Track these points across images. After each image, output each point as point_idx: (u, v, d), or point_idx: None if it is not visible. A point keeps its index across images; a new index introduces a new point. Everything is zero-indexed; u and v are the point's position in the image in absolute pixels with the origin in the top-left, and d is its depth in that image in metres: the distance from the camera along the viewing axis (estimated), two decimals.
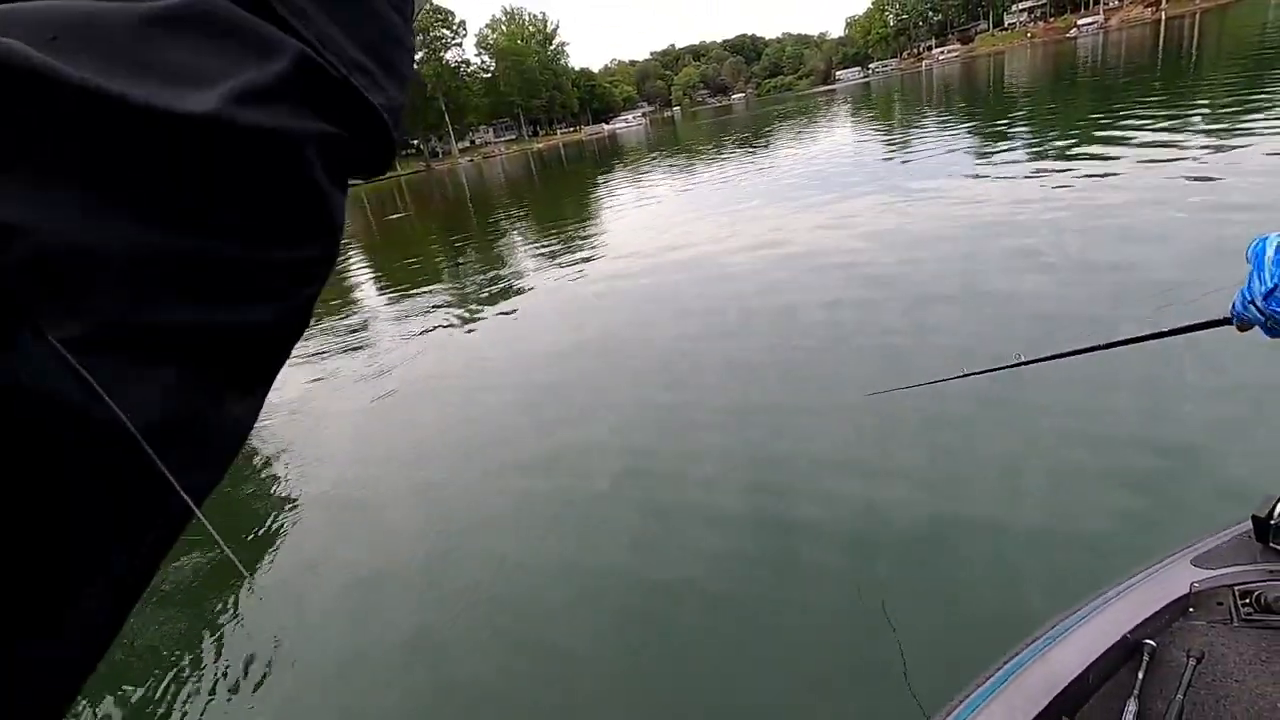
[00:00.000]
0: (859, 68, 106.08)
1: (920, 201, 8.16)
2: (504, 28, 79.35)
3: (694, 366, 4.70)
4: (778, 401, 3.92)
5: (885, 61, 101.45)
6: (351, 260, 15.06)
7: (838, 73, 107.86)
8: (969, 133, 13.75)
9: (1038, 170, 8.47)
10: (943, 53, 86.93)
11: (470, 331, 7.00)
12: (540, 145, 73.45)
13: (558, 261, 9.41)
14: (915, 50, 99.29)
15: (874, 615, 2.23)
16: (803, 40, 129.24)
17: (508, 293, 8.22)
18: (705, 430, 3.76)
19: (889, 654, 2.07)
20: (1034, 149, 10.15)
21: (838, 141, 17.29)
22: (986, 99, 21.49)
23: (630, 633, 2.41)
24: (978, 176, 8.94)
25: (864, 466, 3.09)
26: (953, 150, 11.64)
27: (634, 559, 2.80)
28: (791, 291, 5.84)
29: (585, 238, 10.99)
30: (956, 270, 5.41)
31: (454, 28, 72.39)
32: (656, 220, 11.09)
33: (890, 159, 12.37)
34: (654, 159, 24.81)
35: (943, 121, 16.54)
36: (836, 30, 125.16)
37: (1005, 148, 10.79)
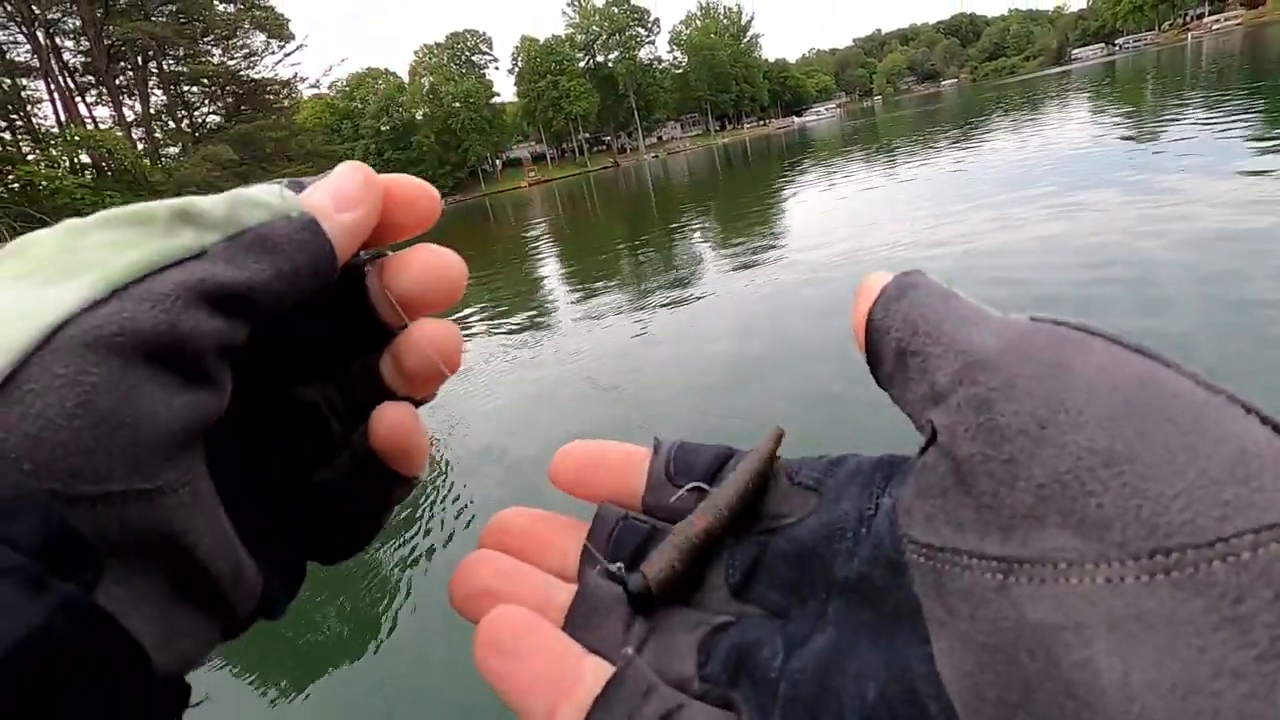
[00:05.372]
0: (1102, 44, 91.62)
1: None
2: (698, 23, 79.13)
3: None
4: None
5: (1138, 35, 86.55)
6: (541, 252, 15.58)
7: (1074, 51, 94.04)
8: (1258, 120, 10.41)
9: None
10: (1218, 21, 72.07)
11: (639, 328, 6.66)
12: (725, 140, 72.37)
13: (736, 265, 8.67)
14: (1182, 19, 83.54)
15: None
16: (1032, 16, 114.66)
17: (681, 292, 7.62)
18: None
19: None
20: None
21: (1076, 132, 14.23)
22: None
23: None
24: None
25: None
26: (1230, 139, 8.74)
27: None
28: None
29: (767, 240, 9.98)
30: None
31: (649, 26, 73.52)
32: (849, 222, 9.64)
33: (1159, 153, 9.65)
34: (847, 154, 22.69)
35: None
36: (1077, 3, 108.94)
37: None
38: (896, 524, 0.18)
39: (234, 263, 0.19)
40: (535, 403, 5.12)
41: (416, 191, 0.23)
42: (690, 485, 0.24)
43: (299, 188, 0.22)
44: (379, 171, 0.21)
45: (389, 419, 0.23)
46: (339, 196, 0.22)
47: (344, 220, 0.21)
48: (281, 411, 0.23)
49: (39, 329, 0.15)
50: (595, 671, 0.20)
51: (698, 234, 12.36)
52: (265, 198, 0.21)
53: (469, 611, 0.22)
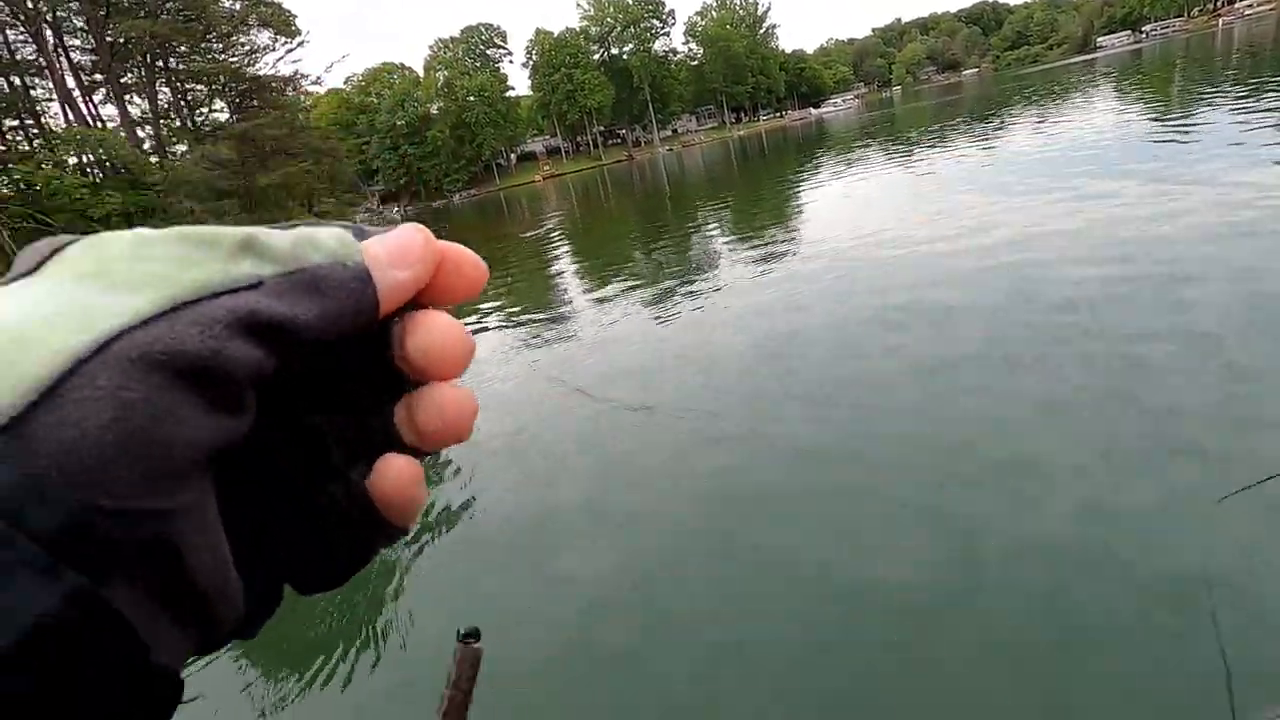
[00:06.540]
0: (1128, 32, 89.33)
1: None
2: (714, 14, 78.25)
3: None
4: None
5: (1166, 22, 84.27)
6: (556, 247, 15.49)
7: (1100, 39, 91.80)
8: None
9: None
10: (1250, 5, 69.93)
11: (656, 323, 6.76)
12: (741, 132, 71.64)
13: (751, 261, 8.52)
14: (1211, 5, 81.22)
15: None
16: (1056, 4, 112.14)
17: (700, 295, 7.55)
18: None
19: None
20: None
21: (1102, 122, 13.67)
22: None
23: None
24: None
25: None
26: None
27: None
28: (1014, 307, 4.27)
29: (782, 234, 9.89)
30: None
31: (664, 18, 72.79)
32: (870, 216, 9.42)
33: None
34: (864, 147, 22.18)
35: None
36: None
37: None
38: None
39: (285, 299, 0.19)
40: (541, 406, 5.16)
41: (469, 262, 0.25)
42: None
43: (361, 234, 0.23)
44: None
45: (393, 470, 0.24)
46: (397, 253, 0.23)
47: (397, 276, 0.22)
48: (285, 434, 0.23)
49: (93, 338, 0.16)
50: None
51: (715, 231, 12.21)
52: (327, 240, 0.22)
53: None
